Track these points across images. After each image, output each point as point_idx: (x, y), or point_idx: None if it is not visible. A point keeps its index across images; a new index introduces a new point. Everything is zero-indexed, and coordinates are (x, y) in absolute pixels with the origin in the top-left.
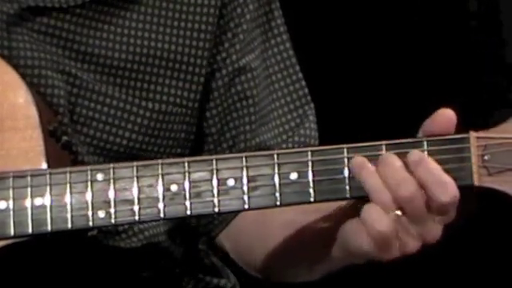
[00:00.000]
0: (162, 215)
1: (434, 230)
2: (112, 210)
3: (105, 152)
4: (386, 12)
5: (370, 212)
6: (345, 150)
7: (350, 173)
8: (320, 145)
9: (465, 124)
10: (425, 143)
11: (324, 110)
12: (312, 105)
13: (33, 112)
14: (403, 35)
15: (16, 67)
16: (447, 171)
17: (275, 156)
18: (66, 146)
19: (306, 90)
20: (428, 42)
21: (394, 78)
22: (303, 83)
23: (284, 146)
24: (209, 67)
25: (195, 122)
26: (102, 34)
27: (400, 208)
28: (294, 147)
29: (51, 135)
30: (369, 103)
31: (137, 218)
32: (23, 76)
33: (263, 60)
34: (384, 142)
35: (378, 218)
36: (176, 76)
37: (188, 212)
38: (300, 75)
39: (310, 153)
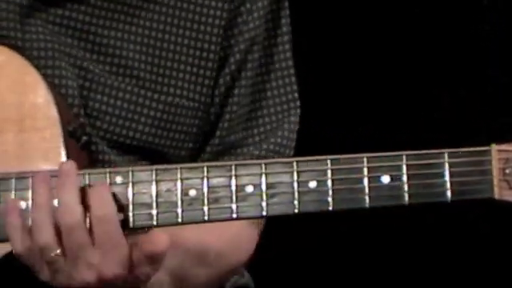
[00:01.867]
0: (179, 220)
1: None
2: (130, 214)
3: (118, 145)
4: (389, 8)
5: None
6: (364, 160)
7: (369, 182)
8: (338, 152)
9: (469, 120)
10: (446, 155)
11: (332, 111)
12: (298, 111)
13: (53, 112)
14: (407, 31)
15: (29, 59)
16: (468, 184)
17: (294, 164)
18: (86, 146)
19: (296, 95)
20: (432, 37)
21: (398, 75)
22: (294, 87)
23: (253, 149)
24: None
25: (207, 117)
26: (117, 25)
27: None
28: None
29: (71, 136)
30: (373, 100)
31: (154, 222)
32: (36, 67)
33: (259, 57)
34: (404, 153)
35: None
36: (189, 70)
37: (206, 217)
38: (293, 79)
39: (329, 161)
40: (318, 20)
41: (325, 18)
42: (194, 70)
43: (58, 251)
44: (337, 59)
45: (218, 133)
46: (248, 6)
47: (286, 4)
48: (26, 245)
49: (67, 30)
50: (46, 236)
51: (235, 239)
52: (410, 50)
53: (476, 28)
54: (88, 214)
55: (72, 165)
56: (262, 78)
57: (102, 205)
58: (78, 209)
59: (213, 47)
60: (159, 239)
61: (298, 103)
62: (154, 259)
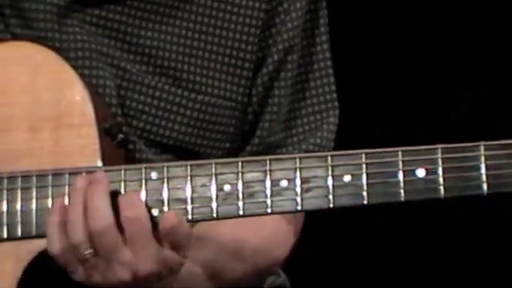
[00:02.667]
0: (214, 215)
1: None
2: (165, 209)
3: (155, 144)
4: (413, 9)
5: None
6: (399, 154)
7: (404, 176)
8: (372, 147)
9: (490, 117)
10: (481, 147)
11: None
12: (337, 112)
13: (89, 109)
14: (430, 33)
15: (67, 59)
16: (504, 176)
17: (329, 158)
18: (122, 143)
19: (335, 96)
20: (455, 37)
21: (420, 76)
22: (333, 88)
23: (291, 150)
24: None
25: (244, 117)
26: (154, 26)
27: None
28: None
29: (107, 133)
30: (393, 100)
31: (190, 217)
32: (74, 68)
33: (298, 58)
34: (440, 146)
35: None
36: (225, 70)
37: (240, 212)
38: (332, 79)
39: (364, 155)
40: (340, 22)
41: (345, 19)
42: (231, 69)
43: (91, 250)
44: (356, 59)
45: (258, 132)
46: (286, 6)
47: (324, 4)
48: (62, 243)
49: (104, 31)
50: (79, 235)
51: (272, 236)
52: (432, 50)
53: (498, 28)
54: (118, 217)
55: (104, 174)
56: (300, 78)
57: (133, 209)
58: (109, 212)
59: (250, 47)
60: (167, 216)
61: (337, 104)
62: (175, 243)
